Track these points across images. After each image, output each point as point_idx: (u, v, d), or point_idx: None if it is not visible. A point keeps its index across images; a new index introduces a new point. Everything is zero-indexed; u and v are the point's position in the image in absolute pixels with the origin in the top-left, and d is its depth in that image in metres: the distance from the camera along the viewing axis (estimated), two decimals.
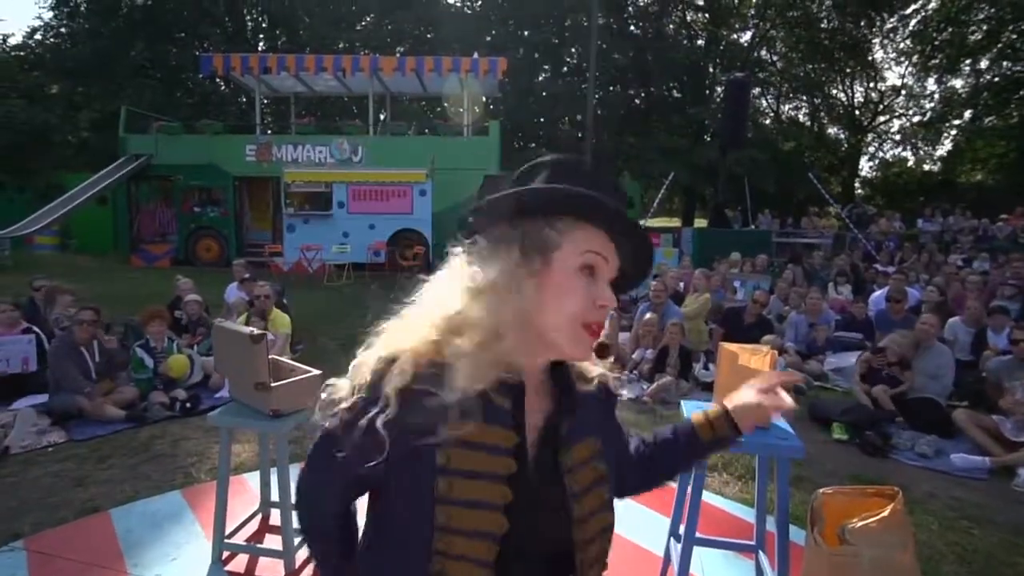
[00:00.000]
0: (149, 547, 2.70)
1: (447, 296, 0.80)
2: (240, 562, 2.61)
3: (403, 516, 0.77)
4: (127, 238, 14.14)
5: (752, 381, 1.05)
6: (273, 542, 2.68)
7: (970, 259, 10.37)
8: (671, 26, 25.78)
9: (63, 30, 22.34)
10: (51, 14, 22.02)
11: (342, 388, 0.82)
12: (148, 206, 14.82)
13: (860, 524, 1.66)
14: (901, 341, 4.77)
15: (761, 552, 2.34)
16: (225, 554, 2.60)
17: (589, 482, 0.82)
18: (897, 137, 26.51)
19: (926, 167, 26.66)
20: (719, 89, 24.11)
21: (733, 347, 2.17)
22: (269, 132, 16.69)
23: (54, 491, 3.21)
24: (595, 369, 0.90)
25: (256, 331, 2.42)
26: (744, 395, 1.03)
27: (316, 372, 2.55)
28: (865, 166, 27.92)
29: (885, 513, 1.66)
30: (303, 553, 2.65)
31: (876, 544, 1.64)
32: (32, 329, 4.92)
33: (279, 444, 2.49)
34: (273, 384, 2.36)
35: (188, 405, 4.51)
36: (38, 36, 22.09)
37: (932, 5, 22.45)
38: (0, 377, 4.52)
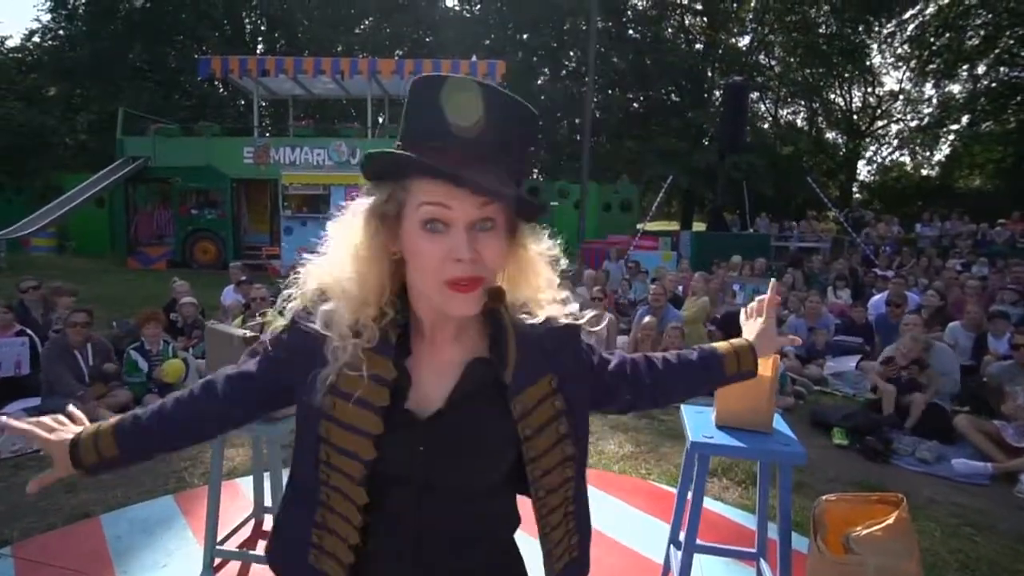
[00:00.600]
0: (139, 554, 2.65)
1: (337, 255, 0.81)
2: (232, 569, 2.56)
3: (302, 424, 0.86)
4: (124, 240, 14.05)
5: (753, 323, 1.15)
6: None
7: (968, 264, 10.38)
8: (669, 30, 25.90)
9: (61, 32, 22.39)
10: (49, 16, 22.08)
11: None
12: (145, 208, 14.76)
13: (865, 532, 1.62)
14: (911, 345, 4.72)
15: (763, 560, 2.31)
16: (217, 561, 2.54)
17: (545, 420, 0.83)
18: (895, 142, 26.65)
19: (924, 172, 26.83)
20: (718, 93, 24.21)
21: None
22: (267, 135, 16.64)
23: (44, 496, 3.14)
24: (563, 315, 0.86)
25: (249, 333, 2.38)
26: (753, 329, 1.12)
27: None
28: (863, 171, 28.08)
29: (890, 521, 1.63)
30: None
31: (881, 552, 1.60)
32: (26, 331, 4.87)
33: (272, 448, 2.44)
34: None
35: None
36: (36, 38, 22.17)
37: (930, 10, 22.59)
38: None
